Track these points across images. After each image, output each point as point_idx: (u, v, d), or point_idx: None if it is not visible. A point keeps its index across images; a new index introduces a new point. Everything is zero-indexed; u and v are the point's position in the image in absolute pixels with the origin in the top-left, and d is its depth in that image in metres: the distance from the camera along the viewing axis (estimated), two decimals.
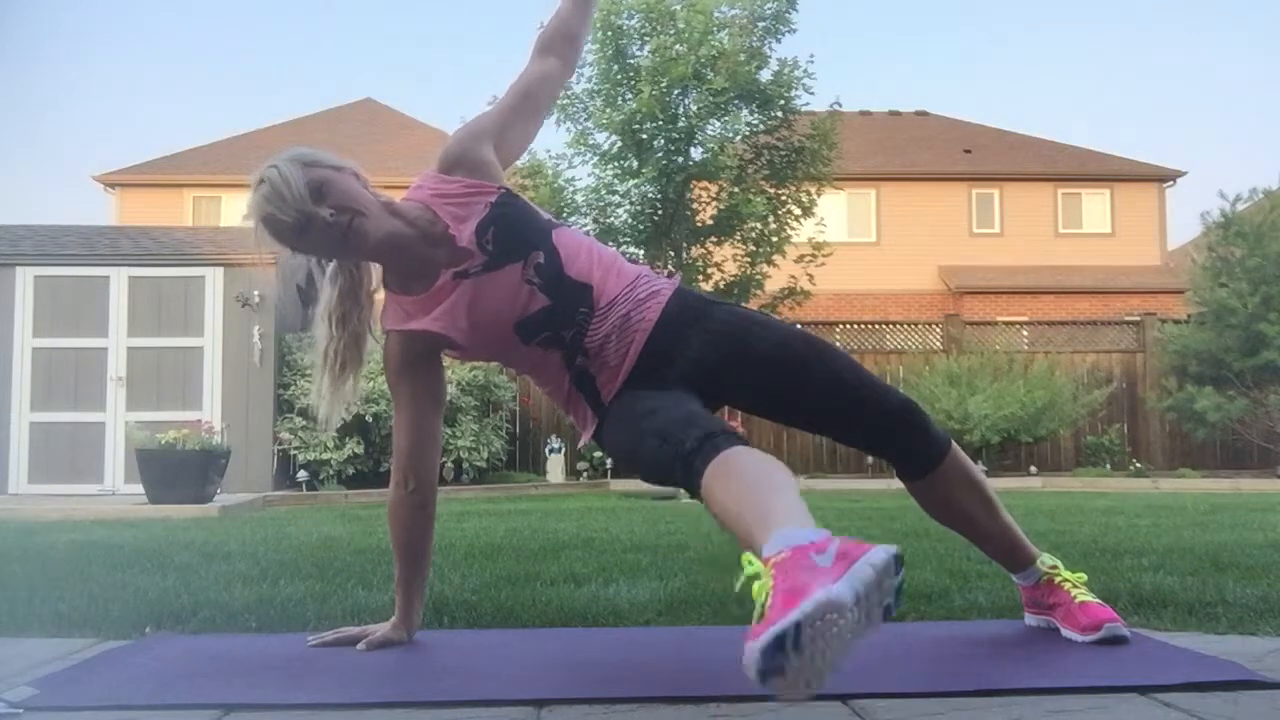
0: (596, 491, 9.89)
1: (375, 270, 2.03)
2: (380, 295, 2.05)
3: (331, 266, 2.01)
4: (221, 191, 19.36)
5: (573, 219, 11.29)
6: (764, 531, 1.40)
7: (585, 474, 11.19)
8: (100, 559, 3.67)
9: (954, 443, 2.02)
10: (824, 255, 12.04)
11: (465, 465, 9.90)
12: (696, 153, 11.59)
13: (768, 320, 2.03)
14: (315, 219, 1.81)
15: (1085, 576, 2.12)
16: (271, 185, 1.79)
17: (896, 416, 1.93)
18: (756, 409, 2.05)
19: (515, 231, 1.91)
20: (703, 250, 11.80)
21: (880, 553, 1.30)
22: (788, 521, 1.41)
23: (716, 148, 11.44)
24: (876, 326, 13.30)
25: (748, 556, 1.38)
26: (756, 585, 1.33)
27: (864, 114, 23.39)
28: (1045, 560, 2.11)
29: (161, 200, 19.63)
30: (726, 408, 2.08)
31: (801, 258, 11.93)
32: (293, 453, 9.49)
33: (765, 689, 1.26)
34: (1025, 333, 13.24)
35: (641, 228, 11.57)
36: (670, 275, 2.06)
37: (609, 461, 11.06)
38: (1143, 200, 21.48)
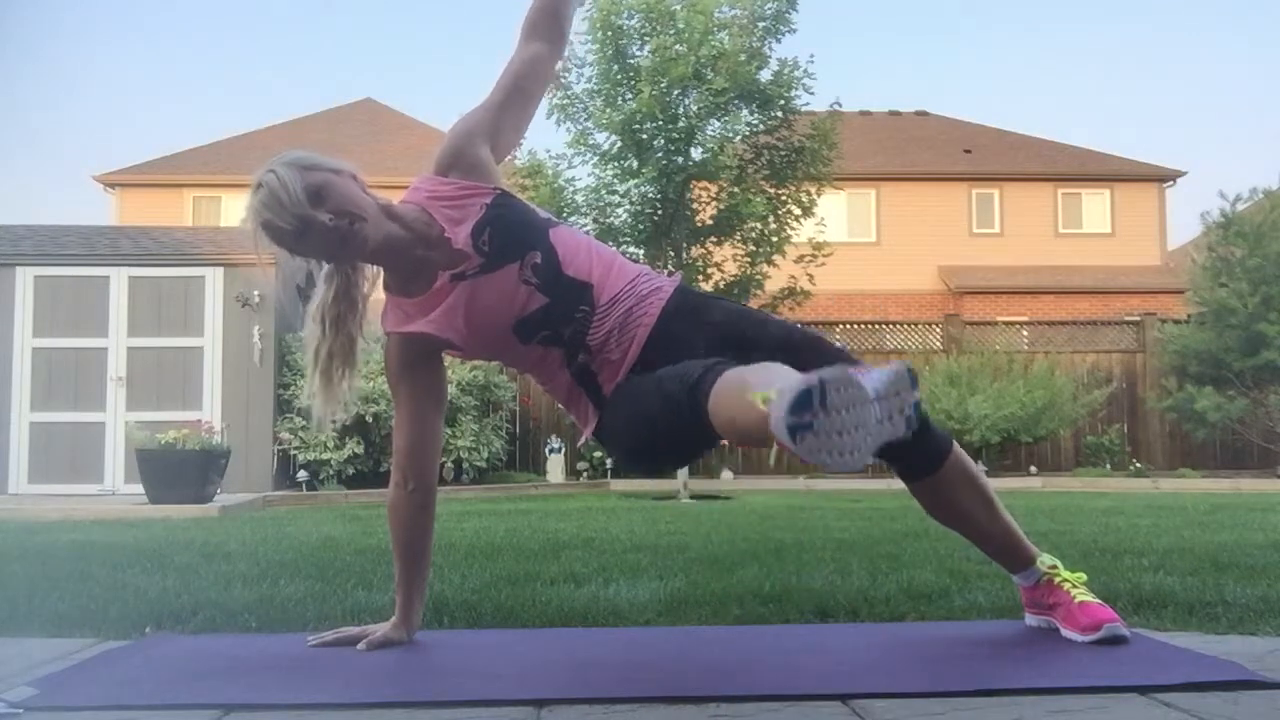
0: (596, 491, 9.89)
1: (371, 272, 2.03)
2: (378, 297, 2.05)
3: (327, 267, 2.01)
4: (221, 191, 19.36)
5: (573, 219, 11.29)
6: (780, 383, 1.43)
7: (585, 474, 11.19)
8: (100, 559, 3.67)
9: (955, 443, 2.02)
10: (824, 255, 12.03)
11: (465, 465, 9.90)
12: (696, 153, 11.57)
13: (768, 317, 2.04)
14: (313, 223, 1.81)
15: (1085, 576, 2.12)
16: (269, 190, 1.79)
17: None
18: None
19: (511, 232, 1.91)
20: (703, 250, 11.79)
21: (891, 365, 1.40)
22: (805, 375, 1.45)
23: (716, 148, 11.42)
24: (876, 326, 13.29)
25: (767, 392, 1.41)
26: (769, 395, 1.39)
27: (864, 114, 23.38)
28: (1045, 560, 2.11)
29: (161, 200, 19.63)
30: None
31: (801, 258, 11.91)
32: (293, 453, 9.49)
33: (795, 447, 1.30)
34: (1025, 333, 13.24)
35: (641, 228, 11.56)
36: (671, 274, 2.06)
37: (609, 461, 11.06)
38: (1143, 200, 21.47)
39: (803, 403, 1.28)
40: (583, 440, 2.04)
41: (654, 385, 1.77)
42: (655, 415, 1.75)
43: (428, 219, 1.91)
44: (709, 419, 1.62)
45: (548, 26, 2.09)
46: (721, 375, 1.63)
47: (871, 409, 1.33)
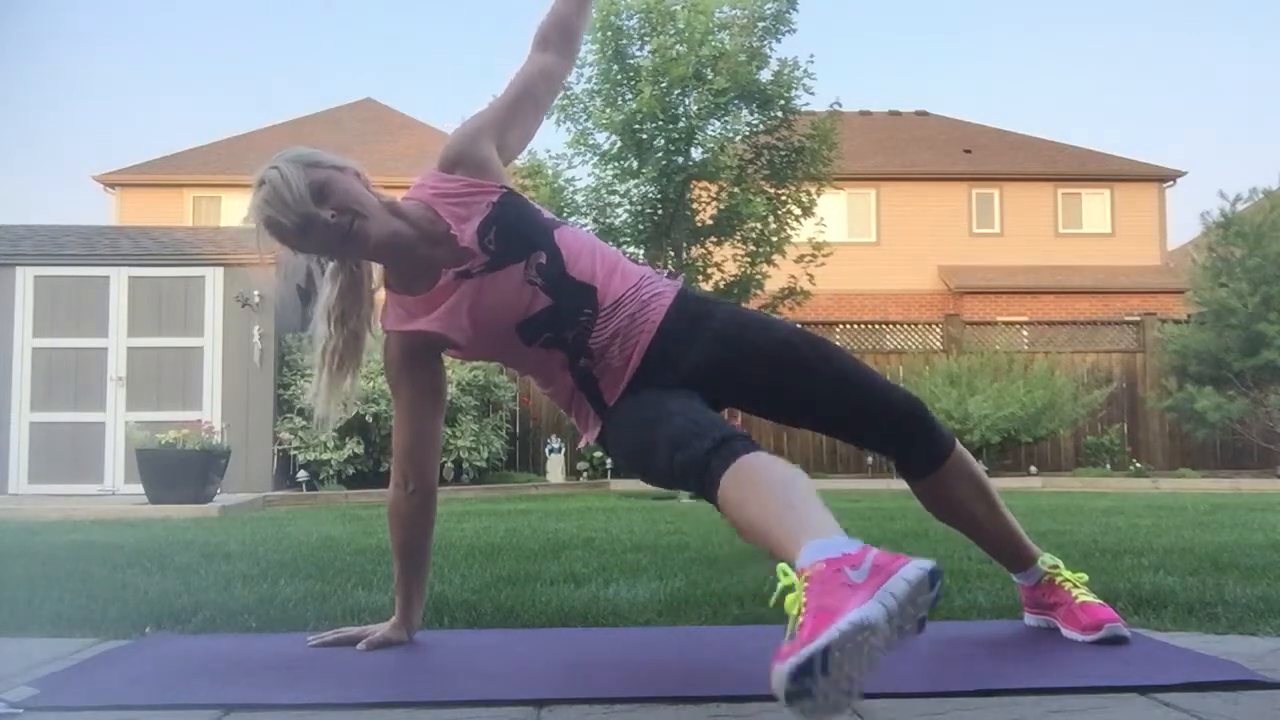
0: (596, 491, 9.89)
1: (376, 269, 2.02)
2: (381, 294, 2.04)
3: (331, 265, 2.00)
4: (221, 191, 19.37)
5: (573, 219, 11.28)
6: (795, 542, 1.39)
7: (585, 474, 11.19)
8: (100, 559, 3.67)
9: (958, 441, 2.01)
10: (824, 255, 12.04)
11: (465, 465, 9.90)
12: (696, 153, 11.58)
13: (770, 320, 2.02)
14: (316, 220, 1.80)
15: (1086, 576, 2.12)
16: (272, 187, 1.78)
17: (901, 414, 1.92)
18: (759, 409, 2.04)
19: (517, 231, 1.90)
20: (703, 250, 11.80)
21: (914, 568, 1.30)
22: (820, 532, 1.40)
23: (716, 148, 11.43)
24: (876, 326, 13.30)
25: (783, 567, 1.37)
26: (790, 598, 1.32)
27: (864, 114, 23.39)
28: (1047, 560, 2.11)
29: (161, 200, 19.63)
30: (728, 408, 2.08)
31: (801, 258, 11.92)
32: (293, 453, 9.49)
33: (793, 712, 1.25)
34: (1025, 333, 13.24)
35: (641, 228, 11.56)
36: (673, 276, 2.05)
37: (609, 461, 11.06)
38: (1143, 200, 21.47)
39: (805, 670, 1.22)
40: (584, 443, 2.03)
41: (665, 434, 1.71)
42: (661, 465, 1.72)
43: (433, 216, 1.90)
44: (717, 502, 1.59)
45: (559, 39, 2.09)
46: (736, 462, 1.57)
47: (882, 634, 1.25)
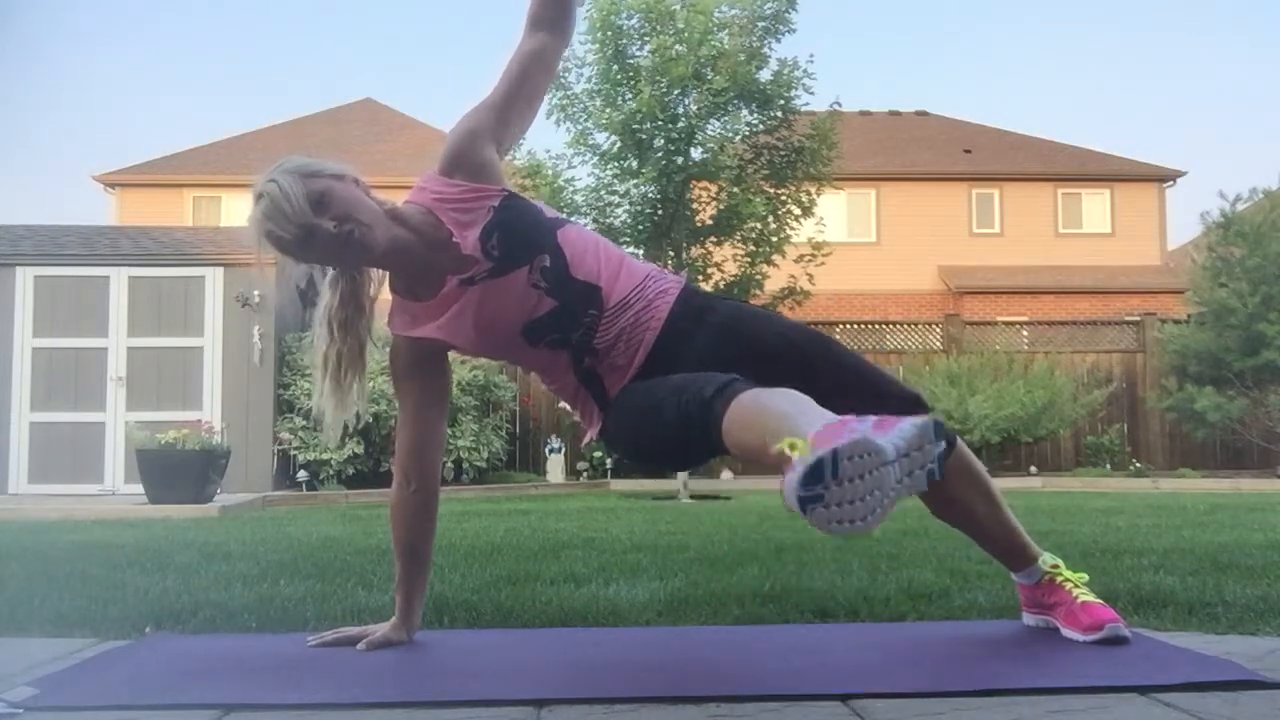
0: (596, 491, 9.89)
1: (377, 275, 2.02)
2: (383, 298, 2.04)
3: (332, 272, 2.00)
4: (221, 191, 19.36)
5: (572, 219, 11.28)
6: (800, 427, 1.42)
7: (585, 474, 11.19)
8: (100, 559, 3.67)
9: (959, 439, 2.01)
10: (824, 255, 12.03)
11: (465, 465, 9.90)
12: (696, 153, 11.57)
13: (771, 316, 2.03)
14: (318, 231, 1.79)
15: (1086, 576, 2.12)
16: (271, 200, 1.77)
17: (900, 409, 1.91)
18: None
19: (520, 235, 1.89)
20: (703, 250, 11.79)
21: (919, 419, 1.35)
22: (828, 415, 1.44)
23: (716, 148, 11.42)
24: (876, 326, 13.29)
25: (789, 439, 1.39)
26: (796, 452, 1.35)
27: (864, 114, 23.38)
28: (1047, 559, 2.11)
29: (161, 200, 19.63)
30: None
31: (801, 258, 11.91)
32: (293, 453, 9.49)
33: (807, 517, 1.28)
34: (1025, 333, 13.24)
35: (641, 228, 11.55)
36: (677, 273, 2.05)
37: (609, 461, 11.06)
38: (1143, 200, 21.47)
39: (814, 475, 1.25)
40: (587, 441, 2.03)
41: (664, 395, 1.75)
42: (665, 425, 1.73)
43: (435, 221, 1.89)
44: (721, 438, 1.62)
45: (552, 17, 2.02)
46: (738, 395, 1.61)
47: (890, 470, 1.29)
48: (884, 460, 1.28)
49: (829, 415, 1.45)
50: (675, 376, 1.79)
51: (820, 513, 1.27)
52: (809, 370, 1.89)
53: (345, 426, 2.06)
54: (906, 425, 1.33)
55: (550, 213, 1.99)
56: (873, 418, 1.36)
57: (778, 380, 1.91)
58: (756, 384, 1.93)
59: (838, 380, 1.90)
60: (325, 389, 1.98)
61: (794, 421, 1.46)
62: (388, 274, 1.99)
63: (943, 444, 1.37)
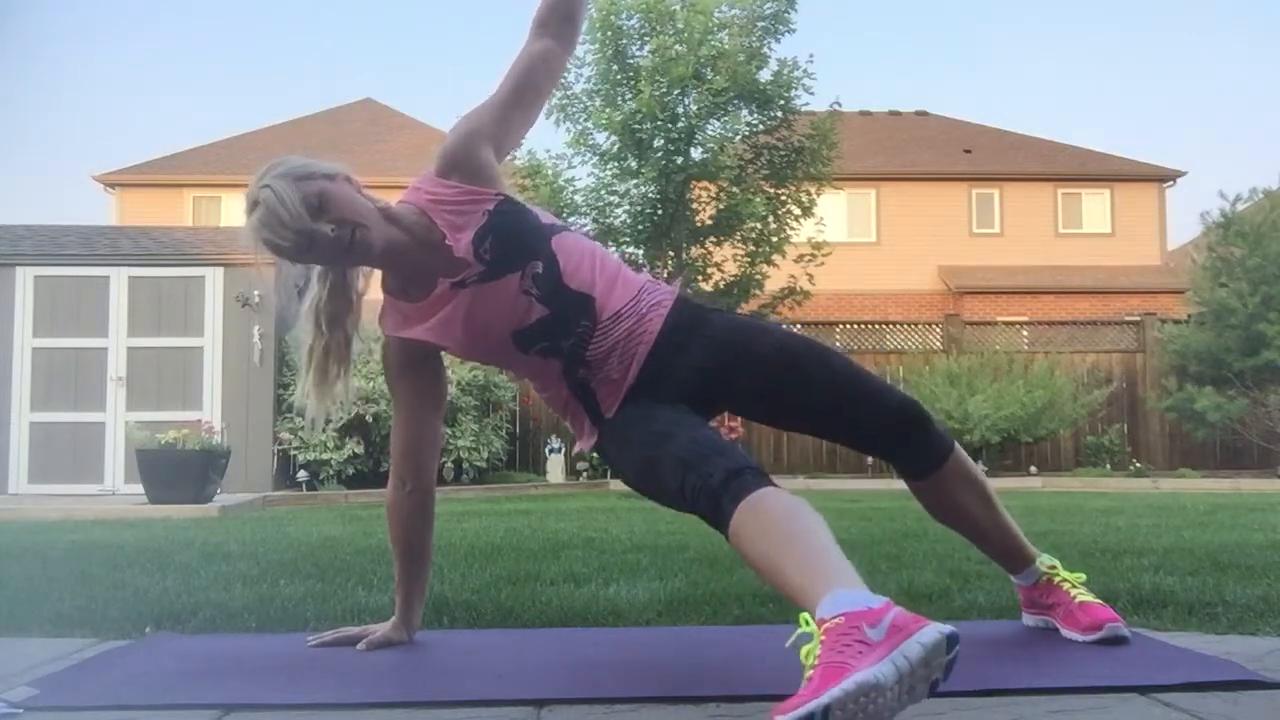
0: (596, 491, 9.89)
1: (365, 269, 2.00)
2: (374, 295, 2.03)
3: (320, 267, 1.98)
4: (221, 191, 19.36)
5: (572, 219, 11.28)
6: (815, 591, 1.38)
7: (585, 474, 11.19)
8: (100, 559, 3.67)
9: (956, 443, 2.01)
10: (824, 255, 12.04)
11: (465, 465, 9.90)
12: (696, 153, 11.58)
13: (766, 325, 2.02)
14: (316, 236, 1.76)
15: (1084, 576, 2.12)
16: (267, 208, 1.73)
17: (898, 416, 1.91)
18: (757, 414, 2.03)
19: (513, 241, 1.86)
20: (703, 250, 11.80)
21: (932, 632, 1.28)
22: (841, 583, 1.39)
23: (716, 148, 11.44)
24: (876, 326, 13.30)
25: (804, 616, 1.37)
26: (805, 649, 1.32)
27: (864, 114, 23.38)
28: (1044, 560, 2.11)
29: (161, 200, 19.63)
30: (725, 412, 2.07)
31: (801, 258, 11.92)
32: (293, 453, 9.49)
33: None
34: (1025, 333, 13.24)
35: (641, 228, 11.56)
36: (671, 281, 2.04)
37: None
38: (1143, 200, 21.47)
39: None
40: (579, 449, 2.02)
41: (672, 454, 1.68)
42: (667, 490, 1.69)
43: (428, 223, 1.87)
44: (729, 535, 1.56)
45: (559, 23, 2.00)
46: (749, 497, 1.55)
47: (890, 694, 1.24)
48: (883, 694, 1.24)
49: (844, 573, 1.41)
50: (679, 427, 1.74)
51: None
52: (803, 378, 1.89)
53: (330, 421, 2.04)
54: (916, 645, 1.27)
55: (548, 219, 1.96)
56: (889, 617, 1.29)
57: (772, 389, 1.91)
58: (751, 394, 1.92)
59: (834, 390, 1.89)
60: (310, 382, 1.96)
61: (807, 570, 1.42)
62: (378, 271, 1.98)
63: (955, 652, 1.32)
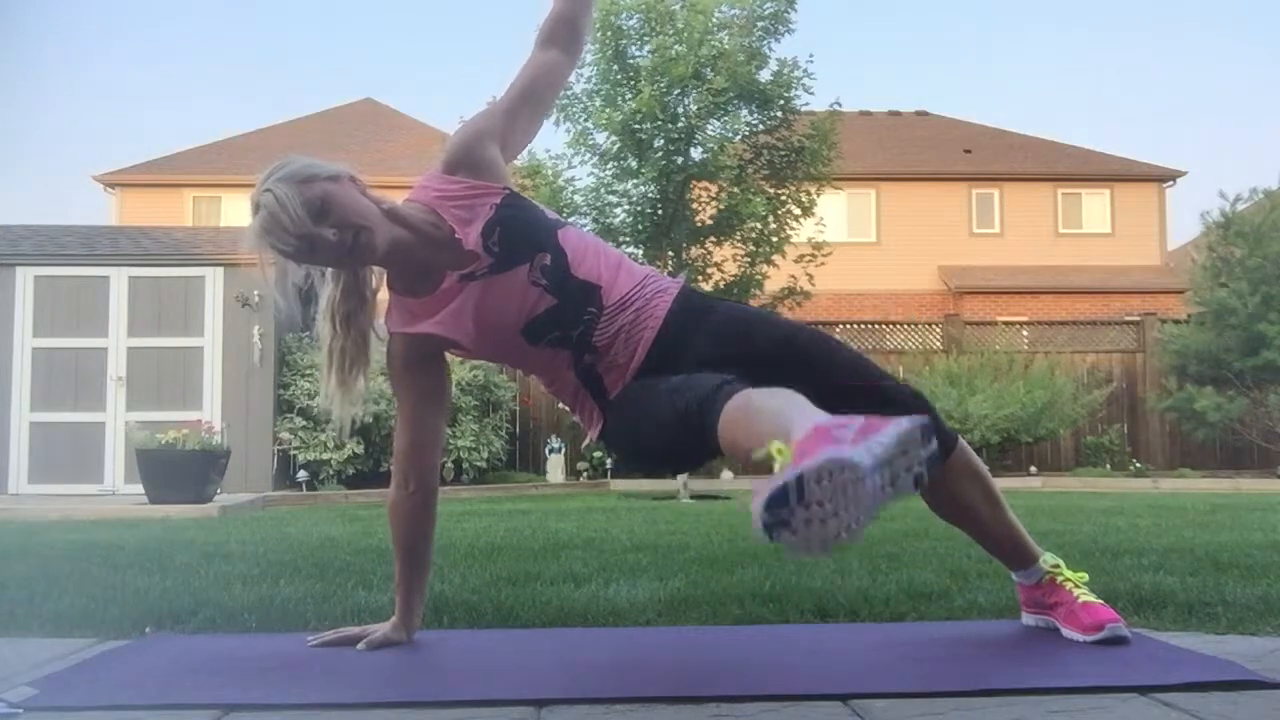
0: (596, 491, 9.89)
1: (376, 270, 2.02)
2: (383, 294, 2.04)
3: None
4: (221, 191, 19.36)
5: (572, 219, 11.27)
6: (791, 429, 1.40)
7: (585, 474, 11.19)
8: (100, 559, 3.67)
9: (960, 438, 2.01)
10: (824, 255, 12.03)
11: (465, 465, 9.90)
12: (696, 153, 11.57)
13: (771, 316, 2.03)
14: (319, 240, 1.77)
15: (1086, 576, 2.12)
16: (269, 212, 1.75)
17: (903, 409, 1.91)
18: None
19: (521, 233, 1.89)
20: (702, 250, 11.79)
21: (905, 421, 1.31)
22: (818, 417, 1.42)
23: (716, 148, 11.43)
24: (876, 326, 13.29)
25: (777, 444, 1.38)
26: (778, 464, 1.34)
27: (864, 114, 23.39)
28: (1048, 559, 2.11)
29: (161, 200, 19.63)
30: None
31: (801, 258, 11.91)
32: (293, 453, 9.49)
33: (778, 542, 1.26)
34: (1025, 333, 13.23)
35: (641, 228, 11.55)
36: (675, 275, 2.05)
37: (609, 461, 11.06)
38: (1143, 200, 21.47)
39: (778, 500, 1.23)
40: (588, 440, 2.03)
41: (663, 396, 1.75)
42: (663, 425, 1.74)
43: (435, 219, 1.89)
44: (717, 439, 1.62)
45: (565, 35, 2.06)
46: (733, 396, 1.61)
47: (868, 482, 1.25)
48: (859, 474, 1.24)
49: (820, 416, 1.44)
50: (673, 378, 1.79)
51: (787, 538, 1.25)
52: (809, 370, 1.89)
53: (355, 422, 2.05)
54: (888, 430, 1.29)
55: (550, 215, 1.99)
56: (860, 419, 1.33)
57: (777, 381, 1.91)
58: (754, 385, 1.93)
59: (838, 380, 1.90)
60: (332, 383, 1.98)
61: (784, 422, 1.45)
62: (386, 271, 1.99)
63: (933, 445, 1.34)
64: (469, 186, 1.91)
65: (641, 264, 2.09)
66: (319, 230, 1.77)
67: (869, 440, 1.28)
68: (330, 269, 1.98)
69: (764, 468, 1.39)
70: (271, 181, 1.77)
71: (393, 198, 1.95)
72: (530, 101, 2.02)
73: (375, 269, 2.01)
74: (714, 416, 1.61)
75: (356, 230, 1.79)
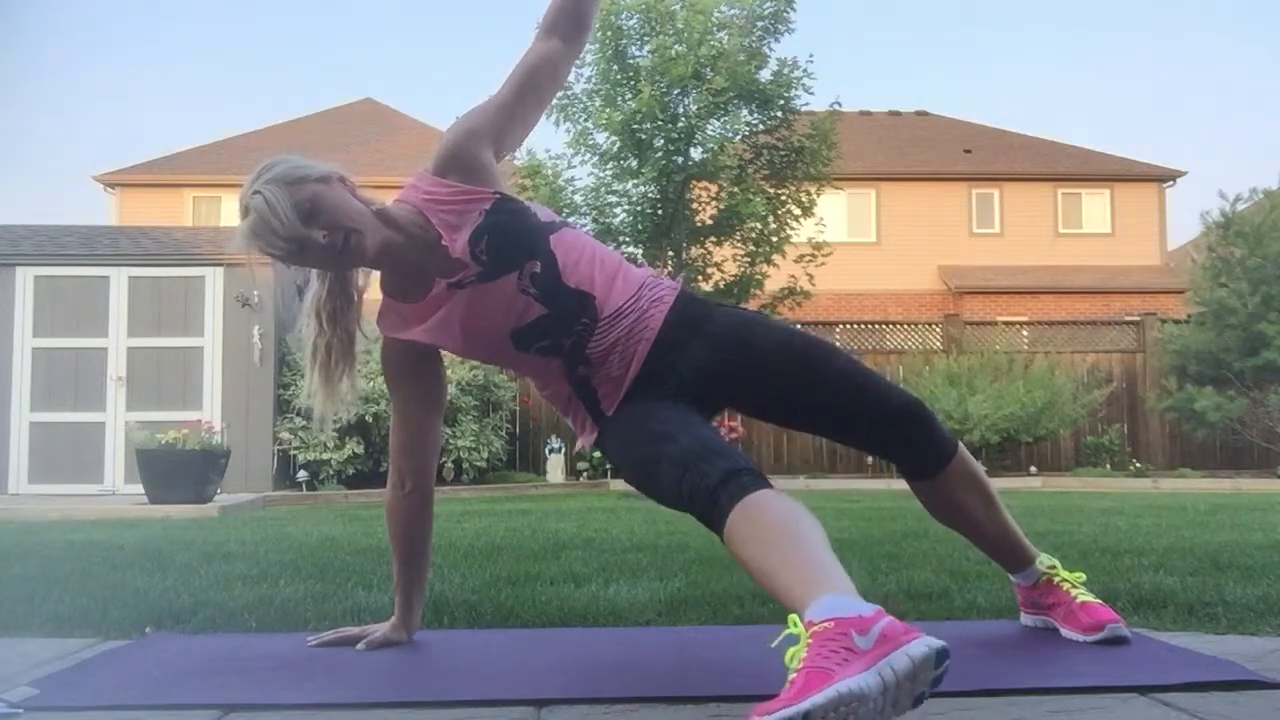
0: (596, 491, 9.89)
1: (363, 270, 1.99)
2: (376, 295, 2.03)
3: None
4: (221, 191, 19.35)
5: (572, 219, 11.28)
6: (806, 594, 1.36)
7: (585, 474, 11.19)
8: (100, 559, 3.67)
9: (960, 443, 2.01)
10: (824, 255, 12.03)
11: (465, 465, 9.90)
12: (696, 152, 11.58)
13: (769, 322, 2.00)
14: (308, 243, 1.74)
15: (1084, 576, 2.12)
16: (259, 215, 1.71)
17: (901, 415, 1.91)
18: (759, 412, 2.02)
19: (510, 240, 1.84)
20: (702, 250, 11.79)
21: (921, 645, 1.26)
22: (833, 589, 1.36)
23: (716, 148, 11.43)
24: (876, 326, 13.29)
25: (793, 618, 1.35)
26: (791, 651, 1.31)
27: (864, 114, 23.39)
28: (1044, 560, 2.11)
29: (161, 200, 19.63)
30: (726, 410, 2.07)
31: (801, 258, 11.92)
32: (293, 453, 9.49)
33: None
34: (1025, 333, 13.23)
35: (641, 228, 11.56)
36: (673, 278, 2.03)
37: (609, 462, 11.06)
38: (1143, 200, 21.47)
39: None
40: (580, 446, 2.01)
41: (670, 455, 1.67)
42: (664, 491, 1.68)
43: (423, 223, 1.85)
44: (724, 537, 1.55)
45: (567, 24, 1.98)
46: (745, 498, 1.53)
47: (872, 706, 1.22)
48: (865, 704, 1.21)
49: (838, 580, 1.38)
50: (678, 427, 1.72)
51: None
52: (806, 376, 1.88)
53: (337, 420, 2.04)
54: (904, 656, 1.24)
55: (546, 216, 1.93)
56: (880, 626, 1.27)
57: (775, 386, 1.90)
58: (753, 392, 1.92)
59: (837, 390, 1.89)
60: (315, 381, 1.95)
61: (800, 575, 1.41)
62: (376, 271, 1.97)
63: (945, 668, 1.29)
64: (458, 191, 1.85)
65: (640, 265, 2.07)
66: (308, 233, 1.73)
67: (884, 662, 1.24)
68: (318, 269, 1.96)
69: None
70: (260, 183, 1.74)
71: (384, 198, 1.92)
72: (528, 93, 1.95)
73: (362, 269, 1.99)
74: (721, 518, 1.55)
75: (347, 233, 1.76)
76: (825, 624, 1.29)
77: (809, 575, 1.40)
